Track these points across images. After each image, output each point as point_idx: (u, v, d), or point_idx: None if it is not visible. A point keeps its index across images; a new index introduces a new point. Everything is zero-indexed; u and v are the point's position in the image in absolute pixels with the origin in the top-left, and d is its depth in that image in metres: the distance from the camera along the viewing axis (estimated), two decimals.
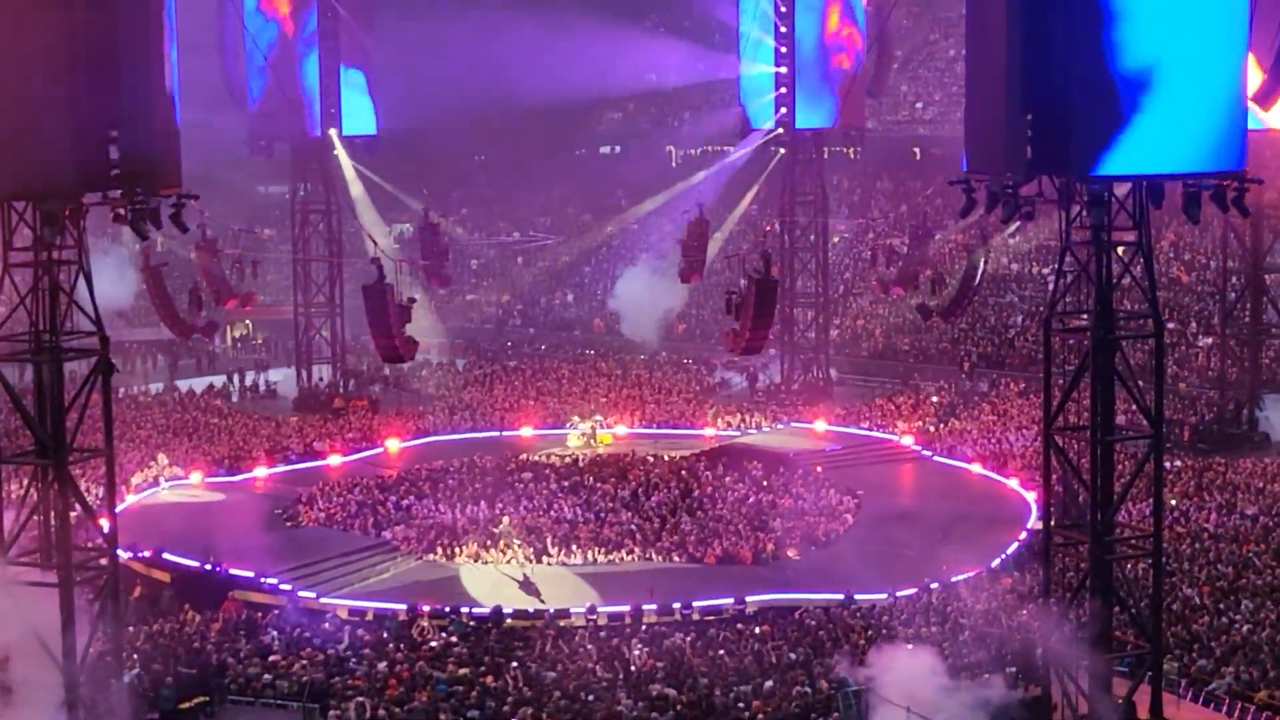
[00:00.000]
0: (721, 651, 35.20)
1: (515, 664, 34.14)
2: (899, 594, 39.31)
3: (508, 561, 43.73)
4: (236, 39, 62.35)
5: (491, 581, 42.55)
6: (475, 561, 43.95)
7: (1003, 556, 43.09)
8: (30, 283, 28.86)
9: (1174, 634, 35.14)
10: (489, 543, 44.47)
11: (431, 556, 44.77)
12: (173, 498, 51.02)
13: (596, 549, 44.47)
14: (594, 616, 38.82)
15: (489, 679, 33.23)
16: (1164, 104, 28.64)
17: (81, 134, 27.68)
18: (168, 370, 70.70)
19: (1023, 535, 44.79)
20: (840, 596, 39.36)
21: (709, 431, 59.03)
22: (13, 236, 28.82)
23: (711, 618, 38.85)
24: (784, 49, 63.98)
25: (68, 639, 28.30)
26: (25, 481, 29.88)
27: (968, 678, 32.32)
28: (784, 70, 64.11)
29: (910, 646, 34.17)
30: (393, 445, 57.48)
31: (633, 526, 45.72)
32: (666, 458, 53.56)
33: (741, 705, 31.93)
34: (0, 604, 28.20)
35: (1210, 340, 62.73)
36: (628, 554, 44.36)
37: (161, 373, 70.98)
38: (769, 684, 32.72)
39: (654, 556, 44.31)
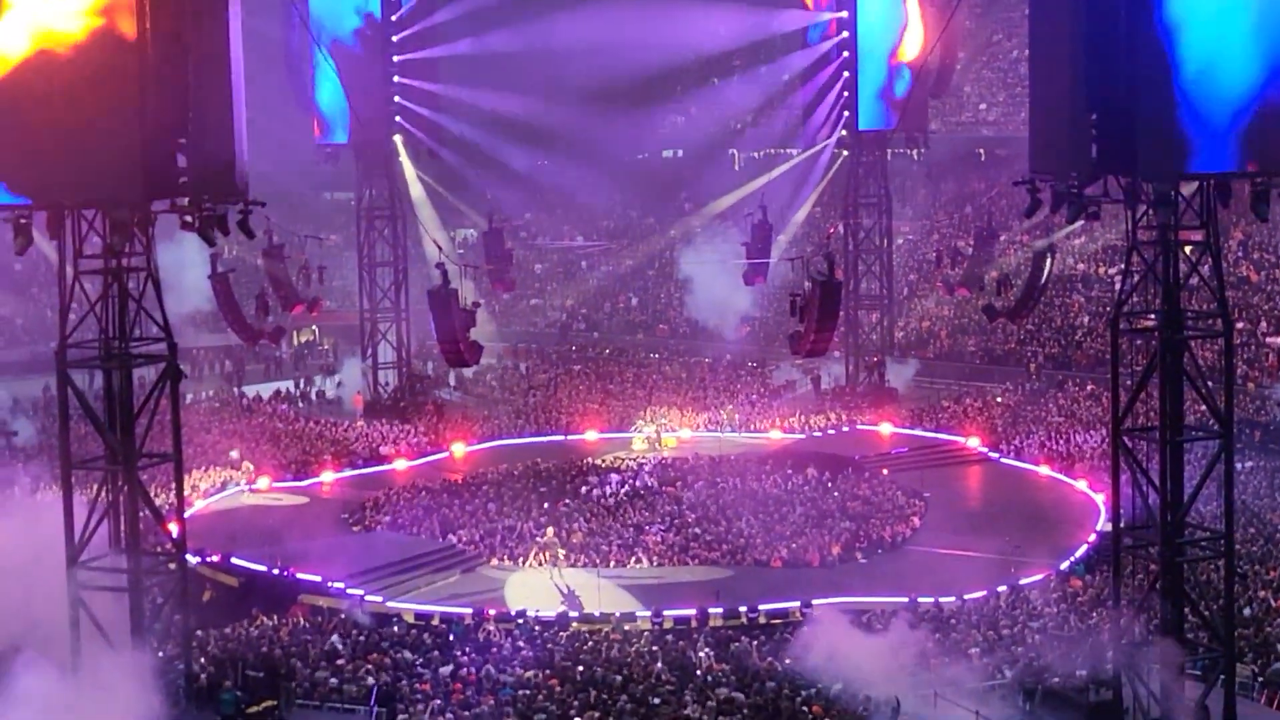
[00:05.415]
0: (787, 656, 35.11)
1: (581, 668, 34.17)
2: (966, 597, 39.12)
3: (567, 566, 43.72)
4: (302, 45, 62.65)
5: (548, 587, 42.54)
6: (539, 566, 44.00)
7: (1072, 559, 42.78)
8: (100, 290, 29.23)
9: (1246, 637, 34.75)
10: (537, 553, 44.45)
11: (496, 561, 44.88)
12: (240, 502, 51.36)
13: (662, 552, 44.43)
14: (660, 620, 38.79)
15: (555, 683, 33.26)
16: (1230, 102, 28.37)
17: (150, 143, 27.98)
18: (235, 375, 71.12)
19: (1092, 537, 44.47)
20: (906, 600, 39.18)
21: (775, 434, 58.94)
22: (83, 244, 29.18)
23: (778, 621, 38.75)
24: (847, 52, 63.89)
25: (138, 642, 28.61)
26: (96, 487, 30.21)
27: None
28: (847, 74, 64.05)
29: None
30: (458, 449, 57.64)
31: (698, 530, 45.68)
32: (732, 459, 53.54)
33: (807, 709, 31.81)
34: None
35: None
36: (693, 558, 44.30)
37: (231, 377, 71.38)
38: (836, 687, 32.59)
39: (719, 560, 44.26)
